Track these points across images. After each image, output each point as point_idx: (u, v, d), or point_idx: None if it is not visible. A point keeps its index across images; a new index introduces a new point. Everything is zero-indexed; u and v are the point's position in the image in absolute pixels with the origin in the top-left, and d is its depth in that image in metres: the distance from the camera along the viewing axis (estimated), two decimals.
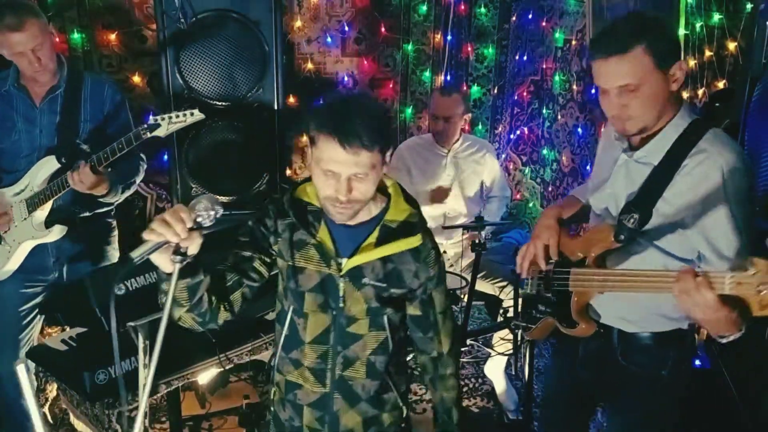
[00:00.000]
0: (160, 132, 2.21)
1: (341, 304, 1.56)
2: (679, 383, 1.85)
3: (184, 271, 1.33)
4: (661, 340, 1.76)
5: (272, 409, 1.73)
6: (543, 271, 1.90)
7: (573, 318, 1.77)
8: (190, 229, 1.30)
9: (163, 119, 2.20)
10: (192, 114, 2.22)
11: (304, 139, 4.18)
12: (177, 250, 1.30)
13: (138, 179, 2.59)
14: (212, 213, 1.33)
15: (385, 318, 1.59)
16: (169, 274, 1.31)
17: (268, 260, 1.59)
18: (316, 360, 1.60)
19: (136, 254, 1.26)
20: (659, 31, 1.58)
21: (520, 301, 2.09)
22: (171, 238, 1.28)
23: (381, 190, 1.60)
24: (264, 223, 1.58)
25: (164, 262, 1.34)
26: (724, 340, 1.48)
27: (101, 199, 2.41)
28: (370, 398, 1.63)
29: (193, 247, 1.33)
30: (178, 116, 2.21)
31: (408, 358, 1.90)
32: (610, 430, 1.92)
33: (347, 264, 1.54)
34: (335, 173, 1.41)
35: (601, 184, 1.83)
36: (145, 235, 1.28)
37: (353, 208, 1.47)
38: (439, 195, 3.40)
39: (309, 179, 1.58)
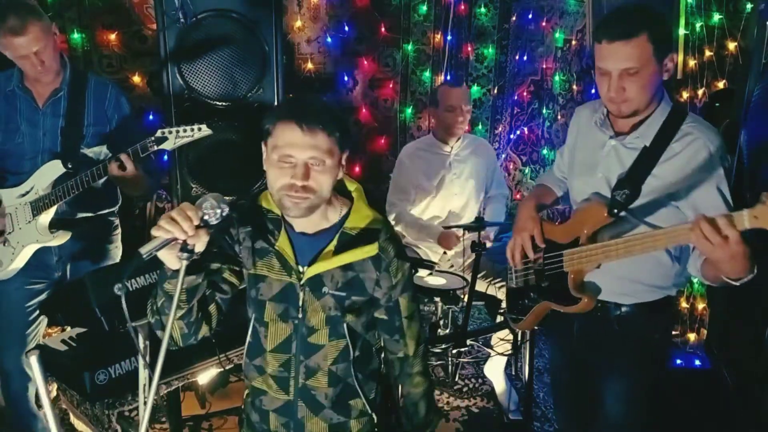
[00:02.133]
0: (167, 145, 2.21)
1: (301, 314, 1.55)
2: (667, 344, 2.09)
3: (189, 269, 1.35)
4: (653, 308, 1.89)
5: (244, 408, 1.73)
6: (529, 263, 2.01)
7: (573, 295, 1.86)
8: (197, 227, 1.32)
9: (170, 132, 2.20)
10: (200, 129, 2.21)
11: None
12: (184, 247, 1.32)
13: (163, 179, 2.61)
14: (218, 211, 1.35)
15: (345, 326, 1.57)
16: (176, 271, 1.34)
17: (237, 269, 1.57)
18: (278, 368, 1.59)
19: (144, 250, 1.28)
20: (661, 23, 1.73)
21: (507, 295, 2.18)
22: (179, 235, 1.30)
23: (344, 194, 1.60)
24: (228, 231, 1.56)
25: (171, 259, 1.35)
26: (738, 283, 1.57)
27: (136, 194, 2.46)
28: (334, 405, 1.61)
29: (200, 244, 1.35)
30: (185, 130, 2.21)
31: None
32: (608, 396, 1.99)
33: (307, 272, 1.52)
34: (292, 159, 1.40)
35: (588, 168, 1.92)
36: (154, 232, 1.30)
37: (309, 200, 1.43)
38: (444, 194, 3.40)
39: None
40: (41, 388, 1.39)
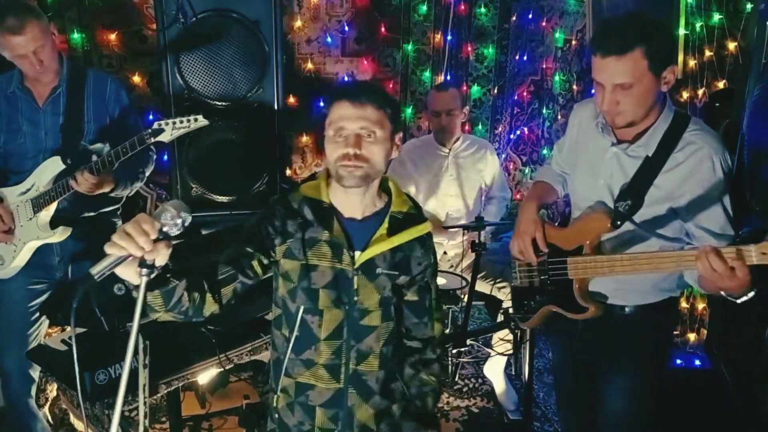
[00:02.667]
0: (164, 137, 2.20)
1: (355, 298, 1.58)
2: (670, 343, 2.10)
3: (154, 283, 1.29)
4: (657, 309, 1.90)
5: (276, 416, 1.70)
6: (533, 264, 2.02)
7: (580, 304, 1.87)
8: (156, 240, 1.23)
9: (167, 124, 2.19)
10: (196, 120, 2.20)
11: (305, 139, 4.21)
12: (143, 263, 1.22)
13: (148, 170, 2.59)
14: (179, 221, 1.25)
15: (392, 308, 1.64)
16: (137, 286, 1.25)
17: (266, 262, 1.58)
18: (330, 356, 1.60)
19: (96, 270, 1.19)
20: (659, 36, 1.67)
21: (512, 293, 2.18)
22: (134, 252, 1.21)
23: (382, 186, 1.66)
24: (272, 222, 1.57)
25: (131, 274, 1.26)
26: (739, 300, 1.59)
27: (112, 194, 2.41)
28: (381, 390, 1.66)
29: (161, 258, 1.26)
30: (182, 121, 2.20)
31: None
32: (610, 396, 2.00)
33: (361, 257, 1.57)
34: (344, 131, 1.50)
35: (590, 174, 1.92)
36: (107, 249, 1.21)
37: (363, 169, 1.50)
38: (441, 195, 3.40)
39: (311, 178, 1.64)
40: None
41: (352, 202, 1.59)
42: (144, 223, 1.22)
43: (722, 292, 1.60)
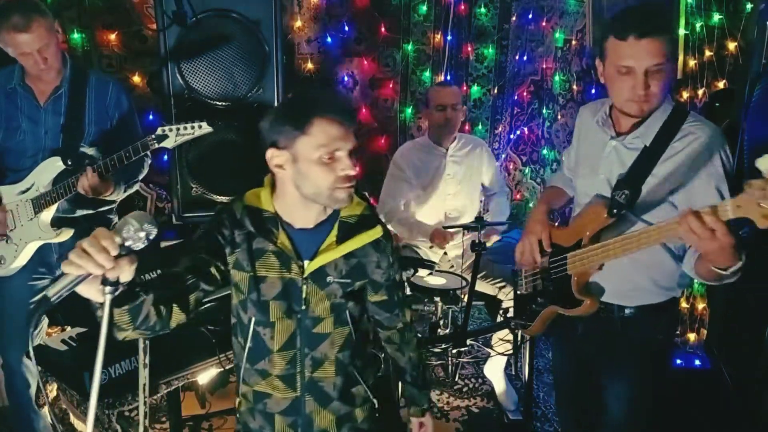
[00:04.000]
0: (168, 143, 2.20)
1: (303, 307, 1.56)
2: (671, 344, 2.09)
3: (120, 299, 1.23)
4: (657, 309, 1.89)
5: (239, 418, 1.71)
6: (537, 268, 2.03)
7: (576, 297, 1.87)
8: (118, 256, 1.16)
9: (171, 130, 2.19)
10: (200, 126, 2.20)
11: None
12: (106, 280, 1.14)
13: (141, 176, 2.60)
14: (142, 234, 1.16)
15: (347, 312, 1.60)
16: (102, 304, 1.18)
17: (222, 268, 1.53)
18: (285, 366, 1.58)
19: (52, 292, 1.12)
20: (670, 27, 1.81)
21: (512, 302, 2.19)
22: (93, 271, 1.13)
23: None
24: (221, 231, 1.53)
25: (93, 293, 1.19)
26: (728, 271, 1.59)
27: (104, 197, 2.42)
28: (340, 396, 1.63)
29: (125, 274, 1.19)
30: (186, 128, 2.20)
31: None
32: (610, 397, 2.00)
33: (310, 266, 1.54)
34: (339, 152, 1.44)
35: (590, 169, 1.93)
36: (63, 268, 1.14)
37: (354, 186, 1.50)
38: (440, 195, 3.40)
39: (251, 188, 1.59)
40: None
41: (303, 212, 1.53)
42: (103, 239, 1.15)
43: (712, 267, 1.60)
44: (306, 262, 1.54)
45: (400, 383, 1.88)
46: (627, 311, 1.89)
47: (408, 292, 1.84)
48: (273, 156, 1.47)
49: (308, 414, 1.61)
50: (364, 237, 1.56)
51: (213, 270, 1.51)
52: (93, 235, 1.15)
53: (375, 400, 1.72)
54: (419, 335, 1.84)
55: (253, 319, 1.57)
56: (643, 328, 1.90)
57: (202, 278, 1.48)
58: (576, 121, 2.08)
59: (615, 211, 1.77)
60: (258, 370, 1.61)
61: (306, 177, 1.45)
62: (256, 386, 1.62)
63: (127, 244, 1.16)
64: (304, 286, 1.55)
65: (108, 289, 1.14)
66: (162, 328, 1.41)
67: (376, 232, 1.57)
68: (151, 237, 1.17)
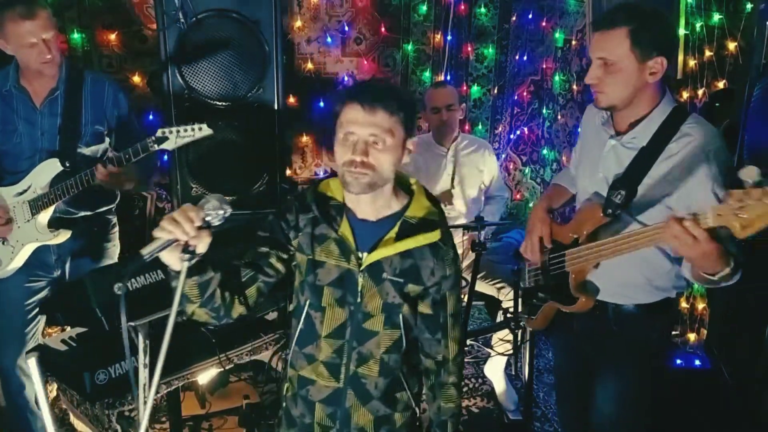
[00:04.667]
0: (168, 145, 2.20)
1: (359, 299, 1.57)
2: (665, 345, 2.11)
3: (192, 269, 1.37)
4: (652, 309, 1.89)
5: (284, 404, 1.73)
6: (538, 262, 2.05)
7: (572, 295, 1.88)
8: (199, 228, 1.33)
9: (171, 132, 2.19)
10: (201, 129, 2.20)
11: (305, 139, 4.21)
12: (186, 249, 1.33)
13: (157, 162, 2.63)
14: (221, 212, 1.36)
15: (400, 316, 1.59)
16: (178, 272, 1.35)
17: (285, 256, 1.59)
18: (331, 354, 1.60)
19: (146, 251, 1.30)
20: (649, 22, 1.69)
21: (519, 294, 2.20)
22: (180, 237, 1.32)
23: (405, 188, 1.63)
24: (285, 218, 1.59)
25: (173, 260, 1.37)
26: (716, 277, 1.59)
27: (134, 190, 2.44)
28: (381, 396, 1.62)
29: (202, 246, 1.36)
30: (186, 130, 2.20)
31: None
32: (601, 395, 2.00)
33: (367, 259, 1.55)
34: (353, 136, 1.46)
35: (591, 167, 1.93)
36: (155, 233, 1.32)
37: (368, 177, 1.46)
38: (441, 194, 3.40)
39: (332, 175, 1.62)
40: (40, 392, 1.37)
41: (364, 204, 1.56)
42: (190, 211, 1.34)
43: (701, 272, 1.61)
44: (364, 255, 1.56)
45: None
46: (621, 310, 1.90)
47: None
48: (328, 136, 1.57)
49: (348, 408, 1.62)
50: (421, 238, 1.54)
51: (273, 260, 1.58)
52: (181, 208, 1.34)
53: (417, 409, 1.70)
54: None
55: (308, 302, 1.60)
56: (637, 328, 1.90)
57: (261, 271, 1.57)
58: (582, 119, 2.09)
59: (610, 211, 1.78)
60: (305, 354, 1.63)
61: (335, 155, 1.51)
62: (301, 371, 1.64)
63: (207, 219, 1.35)
64: (360, 279, 1.56)
65: (186, 256, 1.32)
66: (225, 314, 1.53)
67: (434, 236, 1.55)
68: (226, 215, 1.37)
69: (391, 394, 1.65)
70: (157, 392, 2.18)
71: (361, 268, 1.56)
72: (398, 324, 1.59)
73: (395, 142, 1.48)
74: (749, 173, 1.32)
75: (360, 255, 1.56)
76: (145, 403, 2.03)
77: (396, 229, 1.55)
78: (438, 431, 1.72)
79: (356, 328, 1.59)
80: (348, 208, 1.58)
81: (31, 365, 1.38)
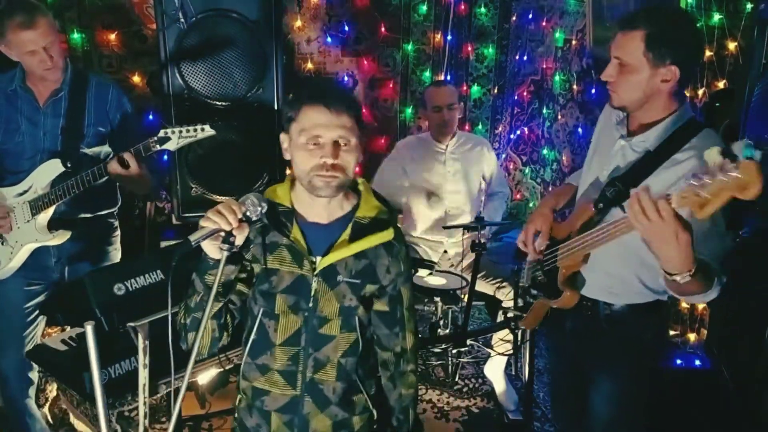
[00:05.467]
0: (170, 145, 2.20)
1: (311, 304, 1.55)
2: (659, 347, 2.11)
3: (229, 260, 1.45)
4: (642, 310, 1.88)
5: (236, 415, 1.71)
6: (536, 261, 2.04)
7: (558, 288, 1.88)
8: (240, 221, 1.42)
9: (173, 132, 2.19)
10: (203, 129, 2.20)
11: None
12: (226, 239, 1.41)
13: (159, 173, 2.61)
14: (259, 209, 1.45)
15: (356, 318, 1.58)
16: (217, 261, 1.44)
17: (244, 276, 1.59)
18: (286, 362, 1.58)
19: (193, 238, 1.39)
20: (668, 28, 1.68)
21: (518, 294, 2.19)
22: (224, 226, 1.40)
23: (352, 188, 1.63)
24: (231, 249, 1.55)
25: (213, 249, 1.45)
26: (678, 278, 1.50)
27: (140, 194, 2.44)
28: (339, 401, 1.61)
29: (240, 237, 1.44)
30: (188, 130, 2.20)
31: None
32: (594, 395, 1.99)
33: (321, 262, 1.54)
34: (320, 139, 1.46)
35: (598, 164, 1.93)
36: (202, 222, 1.42)
37: (339, 179, 1.48)
38: (440, 192, 3.40)
39: (277, 182, 1.63)
40: (93, 361, 1.36)
41: (317, 207, 1.56)
42: (233, 205, 1.43)
43: (662, 270, 1.53)
44: (318, 259, 1.55)
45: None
46: (612, 308, 1.89)
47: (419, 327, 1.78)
48: (282, 140, 1.56)
49: (305, 415, 1.60)
50: (375, 238, 1.55)
51: (239, 286, 1.60)
52: (225, 201, 1.44)
53: (375, 411, 1.68)
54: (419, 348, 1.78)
55: (261, 310, 1.59)
56: (629, 327, 1.89)
57: (230, 302, 1.61)
58: (600, 117, 2.07)
59: (601, 205, 1.78)
60: (258, 365, 1.61)
61: (294, 161, 1.52)
62: (255, 382, 1.62)
63: (247, 213, 1.45)
64: (314, 283, 1.55)
65: (225, 247, 1.41)
66: (219, 337, 1.62)
67: (387, 234, 1.56)
68: (264, 212, 1.47)
69: (349, 398, 1.63)
70: (156, 392, 2.18)
71: (316, 273, 1.54)
72: (354, 326, 1.59)
73: (356, 141, 1.50)
74: (711, 155, 1.30)
75: (313, 259, 1.55)
76: (144, 403, 2.03)
77: (348, 230, 1.55)
78: (401, 417, 1.72)
79: (311, 334, 1.57)
80: (297, 213, 1.57)
81: (89, 332, 1.36)
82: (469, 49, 4.40)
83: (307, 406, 1.60)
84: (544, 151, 4.39)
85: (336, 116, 1.45)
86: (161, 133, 2.20)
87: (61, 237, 2.39)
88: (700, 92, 2.84)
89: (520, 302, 2.23)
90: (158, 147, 2.20)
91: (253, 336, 1.61)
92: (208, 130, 2.21)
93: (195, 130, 2.20)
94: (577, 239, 1.83)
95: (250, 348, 1.62)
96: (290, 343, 1.58)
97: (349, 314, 1.58)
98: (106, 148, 2.47)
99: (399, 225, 1.66)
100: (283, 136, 1.55)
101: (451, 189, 3.40)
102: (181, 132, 2.19)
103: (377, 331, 1.66)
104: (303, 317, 1.57)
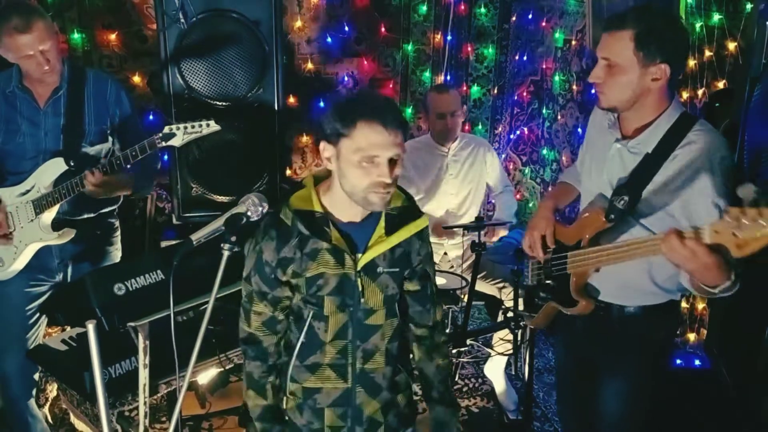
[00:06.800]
0: (175, 142, 2.20)
1: (357, 299, 1.60)
2: (670, 348, 2.11)
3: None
4: (656, 311, 1.88)
5: (286, 417, 1.72)
6: (541, 262, 2.04)
7: (573, 297, 1.88)
8: (239, 221, 1.51)
9: (178, 129, 2.19)
10: (208, 125, 2.20)
11: (305, 139, 4.21)
12: (227, 239, 1.46)
13: (158, 166, 2.63)
14: (260, 209, 1.53)
15: (396, 304, 1.66)
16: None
17: (288, 291, 1.62)
18: (336, 356, 1.63)
19: (194, 237, 1.46)
20: (657, 27, 1.67)
21: (521, 292, 2.21)
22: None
23: None
24: (264, 263, 1.58)
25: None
26: (716, 290, 1.57)
27: (133, 197, 2.44)
28: (389, 385, 1.69)
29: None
30: (194, 126, 2.19)
31: None
32: (605, 395, 2.00)
33: (362, 258, 1.58)
34: (377, 158, 1.45)
35: (595, 169, 1.93)
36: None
37: (391, 194, 1.52)
38: (442, 195, 3.40)
39: (293, 191, 1.63)
40: (95, 361, 1.35)
41: (354, 209, 1.58)
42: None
43: (701, 285, 1.60)
44: (359, 255, 1.59)
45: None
46: (625, 311, 1.89)
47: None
48: (324, 149, 1.54)
49: (358, 405, 1.65)
50: (412, 227, 1.61)
51: (284, 301, 1.64)
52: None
53: (414, 385, 1.77)
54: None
55: (311, 314, 1.62)
56: (641, 328, 1.90)
57: (281, 323, 1.67)
58: (590, 118, 2.08)
59: (612, 216, 1.78)
60: (308, 365, 1.64)
61: (345, 175, 1.50)
62: (305, 383, 1.66)
63: (247, 213, 1.51)
64: (359, 279, 1.59)
65: (227, 246, 1.44)
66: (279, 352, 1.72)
67: (423, 222, 1.63)
68: (264, 212, 1.54)
69: (394, 380, 1.70)
70: (156, 392, 2.19)
71: (358, 269, 1.58)
72: (396, 312, 1.67)
73: (404, 153, 1.51)
74: (745, 191, 1.31)
75: (354, 257, 1.58)
76: (145, 403, 2.03)
77: (382, 224, 1.60)
78: (441, 388, 1.77)
79: (357, 327, 1.62)
80: (332, 216, 1.59)
81: (90, 330, 1.35)
82: (469, 49, 4.39)
83: (360, 396, 1.65)
84: (544, 152, 4.39)
85: (393, 136, 1.45)
86: (166, 130, 2.19)
87: (66, 235, 2.38)
88: (700, 92, 2.84)
89: (522, 301, 2.23)
90: (164, 143, 2.19)
91: (301, 339, 1.64)
92: (213, 126, 2.20)
93: (200, 126, 2.20)
94: (592, 251, 1.81)
95: (298, 351, 1.65)
96: (339, 338, 1.62)
97: (392, 302, 1.65)
98: (108, 145, 2.47)
99: None
100: (326, 146, 1.52)
101: (452, 192, 3.40)
102: (186, 128, 2.19)
103: (411, 309, 1.73)
104: (348, 312, 1.61)
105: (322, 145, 1.53)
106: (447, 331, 3.13)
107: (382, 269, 1.60)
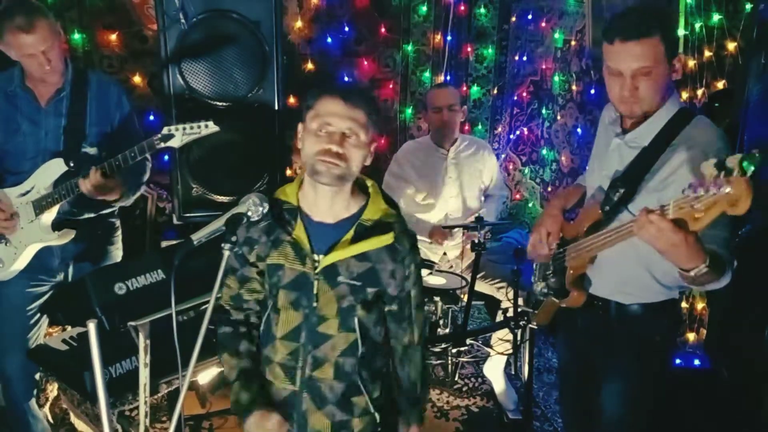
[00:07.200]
0: (174, 143, 2.20)
1: (314, 303, 1.57)
2: (670, 347, 2.10)
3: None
4: (655, 309, 1.88)
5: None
6: (544, 257, 2.05)
7: (566, 288, 1.90)
8: (239, 222, 1.51)
9: (177, 130, 2.18)
10: (207, 126, 2.19)
11: None
12: (227, 239, 1.45)
13: (146, 178, 2.59)
14: (260, 209, 1.52)
15: (356, 319, 1.59)
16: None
17: (259, 282, 1.65)
18: (286, 356, 1.61)
19: (195, 237, 1.45)
20: (670, 25, 1.76)
21: (523, 293, 2.17)
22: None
23: (362, 189, 1.65)
24: (233, 242, 1.50)
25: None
26: (692, 273, 1.54)
27: (114, 203, 2.42)
28: (337, 401, 1.61)
29: (240, 237, 1.54)
30: (192, 127, 2.19)
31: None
32: (605, 394, 2.00)
33: (323, 261, 1.56)
34: (330, 127, 1.50)
35: (598, 165, 1.95)
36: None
37: (340, 168, 1.50)
38: (442, 197, 3.40)
39: (277, 182, 1.66)
40: (96, 361, 1.34)
41: (322, 205, 1.58)
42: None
43: (677, 269, 1.58)
44: (320, 257, 1.57)
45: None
46: (625, 309, 1.90)
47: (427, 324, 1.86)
48: (299, 130, 1.59)
49: (303, 412, 1.62)
50: (375, 240, 1.56)
51: (255, 284, 1.67)
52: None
53: (377, 414, 1.66)
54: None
55: (270, 303, 1.64)
56: (639, 327, 1.90)
57: (253, 315, 1.71)
58: (600, 117, 2.09)
59: (607, 207, 1.80)
60: (264, 356, 1.66)
61: (303, 146, 1.55)
62: (265, 373, 1.67)
63: (248, 213, 1.51)
64: (316, 282, 1.56)
65: (227, 246, 1.45)
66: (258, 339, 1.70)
67: (387, 238, 1.56)
68: (265, 212, 1.53)
69: (348, 399, 1.63)
70: (156, 392, 2.19)
71: (317, 272, 1.56)
72: (353, 327, 1.59)
73: (367, 139, 1.54)
74: (707, 167, 1.32)
75: (316, 258, 1.57)
76: (144, 403, 2.03)
77: (351, 232, 1.57)
78: (410, 386, 1.73)
79: (311, 332, 1.59)
80: (303, 211, 1.59)
81: (91, 330, 1.35)
82: (469, 49, 4.40)
83: (305, 403, 1.61)
84: (544, 152, 4.39)
85: (349, 109, 1.50)
86: (165, 131, 2.19)
87: (66, 236, 2.38)
88: (700, 92, 2.84)
89: (523, 300, 2.24)
90: (162, 144, 2.19)
91: (262, 327, 1.67)
92: (212, 127, 2.20)
93: (199, 127, 2.20)
94: (584, 241, 1.84)
95: (260, 337, 1.68)
96: (290, 338, 1.60)
97: (348, 315, 1.59)
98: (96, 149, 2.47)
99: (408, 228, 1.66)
100: (300, 126, 1.58)
101: (452, 194, 3.40)
102: (185, 129, 2.19)
103: (388, 324, 1.70)
104: (303, 314, 1.59)
105: (299, 126, 1.59)
106: (447, 330, 3.13)
107: (342, 278, 1.56)
